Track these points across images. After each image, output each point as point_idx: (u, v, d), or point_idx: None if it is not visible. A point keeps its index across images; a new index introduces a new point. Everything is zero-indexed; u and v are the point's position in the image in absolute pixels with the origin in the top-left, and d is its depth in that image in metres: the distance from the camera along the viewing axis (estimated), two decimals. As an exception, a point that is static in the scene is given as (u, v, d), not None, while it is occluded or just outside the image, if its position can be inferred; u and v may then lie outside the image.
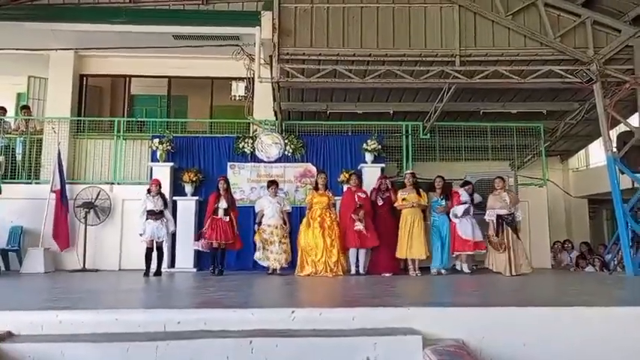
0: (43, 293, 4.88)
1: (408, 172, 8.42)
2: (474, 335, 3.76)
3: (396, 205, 8.02)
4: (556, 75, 8.14)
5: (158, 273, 7.76)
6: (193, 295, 5.06)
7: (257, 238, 8.10)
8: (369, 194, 8.25)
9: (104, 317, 3.80)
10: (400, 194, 8.01)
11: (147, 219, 7.71)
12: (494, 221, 7.82)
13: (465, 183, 8.64)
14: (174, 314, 3.86)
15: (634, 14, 7.82)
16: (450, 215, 8.10)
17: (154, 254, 7.87)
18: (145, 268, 7.69)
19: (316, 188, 8.15)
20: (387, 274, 7.67)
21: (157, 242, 7.78)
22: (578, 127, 10.29)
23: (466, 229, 8.00)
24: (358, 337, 3.59)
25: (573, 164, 12.67)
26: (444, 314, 3.99)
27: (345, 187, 8.81)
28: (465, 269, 8.08)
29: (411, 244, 7.74)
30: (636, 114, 8.75)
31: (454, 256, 8.21)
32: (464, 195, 8.24)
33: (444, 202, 8.15)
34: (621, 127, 9.02)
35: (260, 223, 8.12)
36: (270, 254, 7.95)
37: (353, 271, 7.80)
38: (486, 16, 8.10)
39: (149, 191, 7.90)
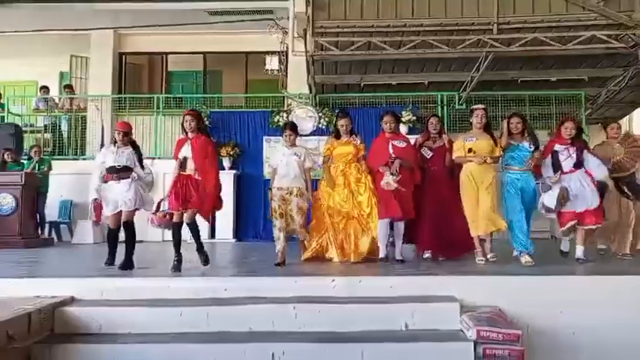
0: (97, 262, 5.21)
1: (479, 106, 5.42)
2: (510, 303, 3.85)
3: (455, 157, 5.27)
4: (599, 40, 7.84)
5: (127, 265, 4.85)
6: (238, 264, 5.29)
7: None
8: (412, 143, 5.66)
9: (157, 284, 4.09)
10: (464, 141, 5.22)
11: (105, 181, 5.05)
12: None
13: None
14: (221, 282, 4.11)
15: (685, -27, 7.44)
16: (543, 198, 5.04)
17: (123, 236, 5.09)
18: (108, 254, 5.10)
19: (337, 135, 5.63)
20: (427, 254, 5.49)
21: (124, 215, 5.00)
22: (621, 93, 9.93)
23: (551, 197, 4.93)
24: (397, 304, 3.74)
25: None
26: (481, 282, 4.10)
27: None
28: (579, 254, 5.04)
29: (482, 213, 5.02)
30: (684, 79, 8.39)
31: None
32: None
33: (531, 149, 5.10)
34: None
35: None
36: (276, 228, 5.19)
37: (382, 253, 5.21)
38: (526, -19, 7.85)
39: (115, 142, 5.25)
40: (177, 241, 4.82)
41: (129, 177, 5.00)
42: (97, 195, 5.14)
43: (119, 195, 4.95)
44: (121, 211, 4.98)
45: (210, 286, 4.02)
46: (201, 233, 5.00)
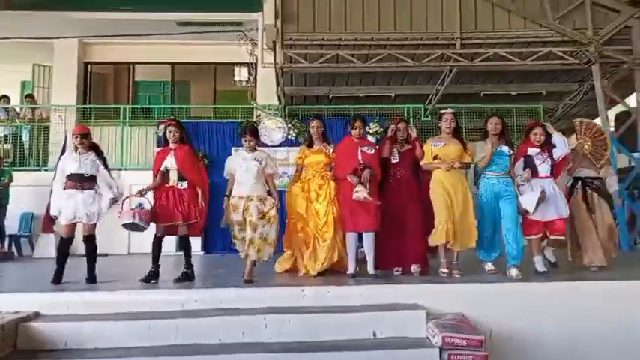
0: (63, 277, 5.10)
1: (448, 110, 5.13)
2: (473, 309, 3.99)
3: (423, 164, 4.99)
4: (555, 57, 8.27)
5: (90, 279, 4.69)
6: (206, 277, 5.28)
7: (228, 217, 4.84)
8: (380, 150, 5.22)
9: (125, 297, 4.03)
10: (432, 146, 4.93)
11: (65, 188, 4.69)
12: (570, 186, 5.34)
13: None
14: (191, 294, 4.10)
15: (632, -5, 7.93)
16: (520, 199, 4.81)
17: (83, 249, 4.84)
18: (56, 269, 4.67)
19: (309, 144, 5.33)
20: (398, 271, 5.03)
21: (85, 229, 4.72)
22: (577, 107, 10.42)
23: (529, 201, 4.77)
24: (365, 313, 3.83)
25: (572, 144, 12.81)
26: (446, 290, 4.22)
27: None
28: (539, 265, 4.91)
29: (452, 225, 4.65)
30: (634, 94, 8.85)
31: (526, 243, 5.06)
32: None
33: (510, 154, 4.91)
34: (620, 107, 9.16)
35: (230, 196, 4.87)
36: (245, 240, 4.68)
37: (351, 269, 4.83)
38: (486, -1, 8.21)
39: (76, 148, 4.82)
40: (155, 254, 4.73)
41: (93, 188, 4.70)
42: (57, 212, 4.70)
43: (80, 205, 4.62)
44: (75, 222, 4.67)
45: (179, 298, 4.01)
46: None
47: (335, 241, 4.95)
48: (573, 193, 5.26)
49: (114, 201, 4.82)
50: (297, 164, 5.39)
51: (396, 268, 5.04)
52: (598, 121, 9.13)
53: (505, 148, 4.88)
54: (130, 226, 4.72)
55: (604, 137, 5.34)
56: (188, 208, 4.73)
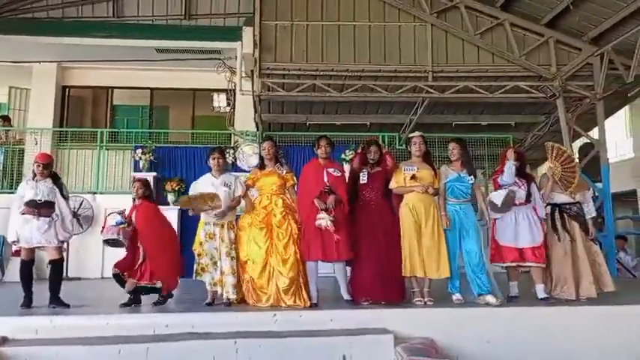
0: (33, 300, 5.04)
1: (416, 134, 5.17)
2: (441, 333, 4.12)
3: (393, 186, 4.91)
4: (522, 90, 8.65)
5: (54, 301, 4.72)
6: (178, 301, 5.28)
7: (195, 246, 5.07)
8: (348, 171, 5.31)
9: (96, 322, 4.05)
10: (404, 170, 4.89)
11: (23, 213, 4.70)
12: (549, 213, 5.20)
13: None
14: (162, 318, 4.13)
15: (593, 34, 8.36)
16: (487, 210, 5.01)
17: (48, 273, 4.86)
18: (24, 293, 4.76)
19: (261, 166, 5.11)
20: (367, 301, 4.66)
21: (50, 252, 4.81)
22: (545, 137, 10.76)
23: (506, 229, 4.98)
24: (335, 337, 3.94)
25: (541, 173, 13.23)
26: (414, 315, 4.34)
27: None
28: (513, 291, 5.07)
29: (423, 254, 4.66)
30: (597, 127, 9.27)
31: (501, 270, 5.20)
32: (509, 167, 5.04)
33: (471, 182, 4.90)
34: (584, 138, 9.57)
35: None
36: (212, 272, 4.84)
37: (313, 298, 4.62)
38: (457, 35, 8.60)
39: (34, 175, 4.89)
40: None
41: (49, 216, 4.74)
42: (15, 237, 4.74)
43: (35, 231, 4.68)
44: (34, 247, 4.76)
45: (150, 322, 4.03)
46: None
47: (297, 283, 4.62)
48: (554, 220, 5.15)
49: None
50: (245, 184, 5.06)
51: (365, 299, 4.64)
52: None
53: (466, 175, 4.87)
54: (112, 242, 4.89)
55: (573, 164, 5.25)
56: (150, 267, 4.89)
